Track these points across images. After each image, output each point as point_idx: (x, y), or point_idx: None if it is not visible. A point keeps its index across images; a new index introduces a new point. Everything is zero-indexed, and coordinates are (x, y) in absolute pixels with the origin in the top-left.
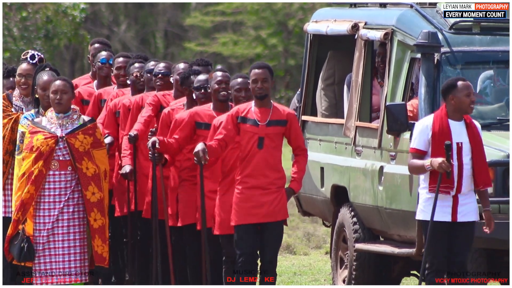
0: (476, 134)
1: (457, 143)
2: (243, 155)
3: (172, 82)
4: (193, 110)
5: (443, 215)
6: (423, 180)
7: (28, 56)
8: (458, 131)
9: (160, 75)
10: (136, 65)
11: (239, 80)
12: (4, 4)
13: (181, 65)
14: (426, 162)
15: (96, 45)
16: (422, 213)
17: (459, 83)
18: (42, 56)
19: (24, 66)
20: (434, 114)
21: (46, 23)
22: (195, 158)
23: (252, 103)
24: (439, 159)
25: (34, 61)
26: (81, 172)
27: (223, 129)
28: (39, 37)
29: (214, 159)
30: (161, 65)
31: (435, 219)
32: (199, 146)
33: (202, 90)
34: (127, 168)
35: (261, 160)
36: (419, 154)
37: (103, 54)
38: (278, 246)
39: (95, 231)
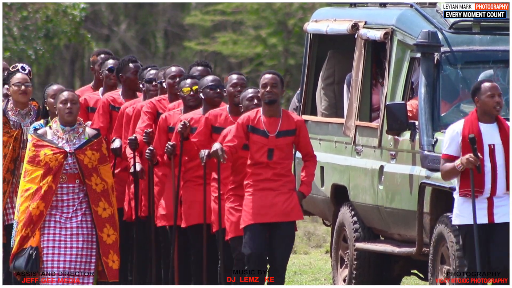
0: (508, 135)
1: (489, 145)
2: (252, 162)
3: (165, 87)
4: (208, 115)
5: (479, 217)
6: (456, 185)
7: (19, 67)
8: (490, 133)
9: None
10: (152, 71)
11: (250, 90)
12: (4, 4)
13: (173, 68)
14: (456, 162)
15: (102, 55)
16: (459, 218)
17: (483, 84)
18: (30, 68)
19: (19, 75)
20: (465, 119)
21: (46, 22)
22: (203, 158)
23: (261, 110)
24: (466, 155)
25: (25, 72)
26: (90, 188)
27: (235, 137)
28: (39, 37)
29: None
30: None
31: (471, 222)
32: (217, 145)
33: (217, 90)
34: (137, 167)
35: (271, 169)
36: (451, 160)
37: (111, 62)
38: (289, 250)
39: (109, 247)
